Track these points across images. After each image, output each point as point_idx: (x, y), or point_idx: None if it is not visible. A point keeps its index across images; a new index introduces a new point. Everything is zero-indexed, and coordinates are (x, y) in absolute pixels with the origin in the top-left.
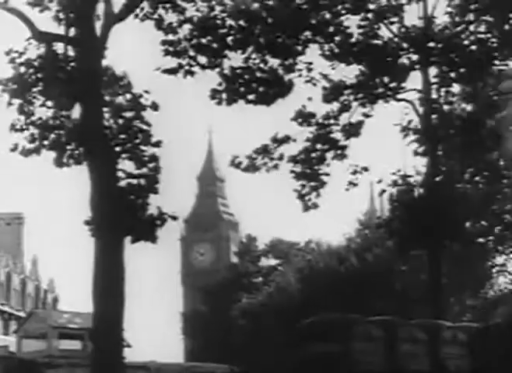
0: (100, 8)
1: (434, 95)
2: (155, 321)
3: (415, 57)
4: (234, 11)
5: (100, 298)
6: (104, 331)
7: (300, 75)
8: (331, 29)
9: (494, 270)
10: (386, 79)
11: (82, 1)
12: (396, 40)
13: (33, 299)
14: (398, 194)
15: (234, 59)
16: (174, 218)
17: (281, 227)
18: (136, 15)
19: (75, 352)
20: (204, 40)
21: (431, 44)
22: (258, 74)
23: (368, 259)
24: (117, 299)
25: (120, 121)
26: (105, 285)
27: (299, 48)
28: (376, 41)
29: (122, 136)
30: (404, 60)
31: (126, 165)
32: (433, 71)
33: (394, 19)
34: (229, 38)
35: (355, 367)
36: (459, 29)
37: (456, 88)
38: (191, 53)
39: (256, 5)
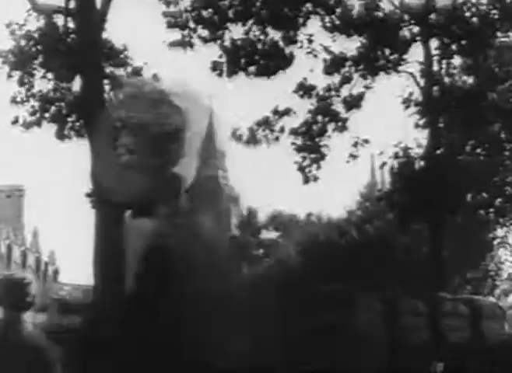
0: None
1: (435, 68)
2: None
3: (416, 30)
4: None
5: (101, 270)
6: (105, 305)
7: (301, 47)
8: (332, 1)
9: (495, 243)
10: (387, 51)
11: None
12: (397, 12)
13: (34, 271)
14: (399, 167)
15: (235, 31)
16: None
17: (281, 199)
18: None
19: (76, 325)
20: (205, 13)
21: (432, 16)
22: (259, 47)
23: (369, 232)
24: (119, 272)
25: None
26: (106, 257)
27: (300, 20)
28: (377, 13)
29: None
30: (405, 32)
31: None
32: (434, 43)
33: None
34: (230, 10)
35: (355, 339)
36: (460, 1)
37: (457, 60)
38: (192, 25)
39: None
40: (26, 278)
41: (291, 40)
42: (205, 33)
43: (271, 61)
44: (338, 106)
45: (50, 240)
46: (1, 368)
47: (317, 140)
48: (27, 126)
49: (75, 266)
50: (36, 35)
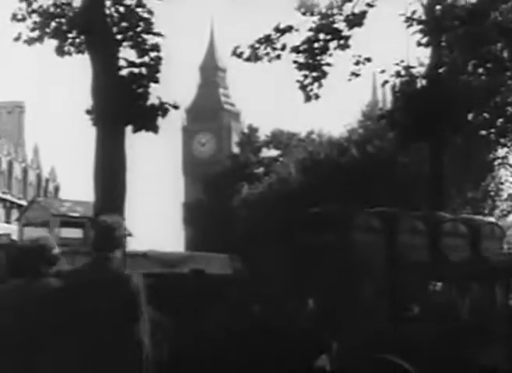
0: None
1: None
2: (156, 210)
3: None
4: None
5: (102, 186)
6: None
7: None
8: None
9: (495, 163)
10: None
11: None
12: None
13: (35, 188)
14: (401, 85)
15: None
16: (175, 108)
17: (282, 117)
18: None
19: (77, 240)
20: None
21: None
22: None
23: (369, 151)
24: (119, 188)
25: (122, 9)
26: (106, 174)
27: None
28: None
29: (124, 24)
30: None
31: (127, 53)
32: None
33: None
34: None
35: (354, 258)
36: None
37: None
38: None
39: None
40: (115, 222)
41: None
42: None
43: None
44: (340, 24)
45: (50, 156)
46: (95, 299)
47: (318, 58)
48: (29, 42)
49: (76, 183)
50: None
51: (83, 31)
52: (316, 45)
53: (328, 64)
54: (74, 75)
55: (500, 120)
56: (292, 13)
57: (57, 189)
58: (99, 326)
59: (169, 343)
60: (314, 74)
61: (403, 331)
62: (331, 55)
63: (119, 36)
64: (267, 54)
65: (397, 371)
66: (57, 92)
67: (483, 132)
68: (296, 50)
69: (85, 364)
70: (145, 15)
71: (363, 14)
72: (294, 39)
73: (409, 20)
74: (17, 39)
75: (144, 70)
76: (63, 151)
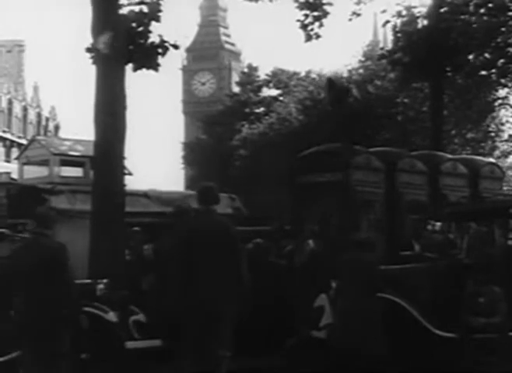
0: None
1: None
2: (156, 150)
3: None
4: None
5: (102, 125)
6: (105, 158)
7: None
8: None
9: (496, 104)
10: None
11: None
12: None
13: (35, 126)
14: (402, 25)
15: None
16: (176, 47)
17: (283, 57)
18: None
19: (77, 179)
20: None
21: None
22: None
23: (370, 91)
24: (119, 127)
25: None
26: (106, 113)
27: None
28: None
29: None
30: None
31: None
32: None
33: None
34: None
35: (353, 196)
36: None
37: None
38: None
39: None
40: (214, 185)
41: None
42: None
43: None
44: None
45: (51, 95)
46: (205, 241)
47: None
48: None
49: (76, 122)
50: None
51: None
52: None
53: (329, 4)
54: (74, 13)
55: (501, 60)
56: None
57: (57, 128)
58: (220, 254)
59: None
60: (315, 13)
61: (402, 269)
62: None
63: None
64: None
65: (394, 308)
66: (57, 30)
67: (484, 72)
68: None
69: (217, 278)
70: None
71: None
72: None
73: None
74: None
75: (145, 8)
76: (63, 89)
